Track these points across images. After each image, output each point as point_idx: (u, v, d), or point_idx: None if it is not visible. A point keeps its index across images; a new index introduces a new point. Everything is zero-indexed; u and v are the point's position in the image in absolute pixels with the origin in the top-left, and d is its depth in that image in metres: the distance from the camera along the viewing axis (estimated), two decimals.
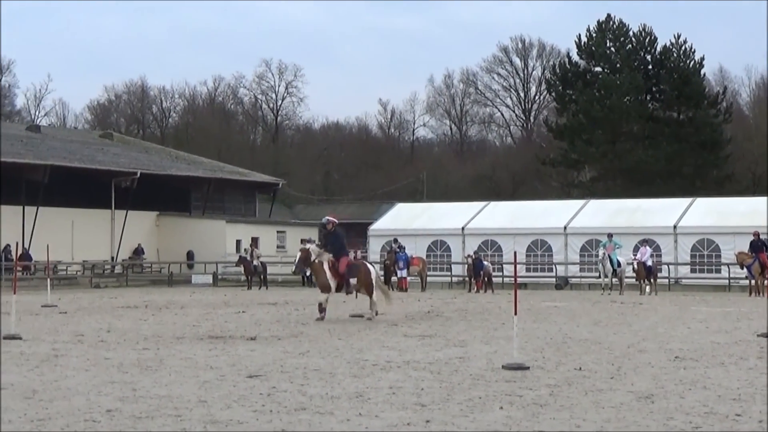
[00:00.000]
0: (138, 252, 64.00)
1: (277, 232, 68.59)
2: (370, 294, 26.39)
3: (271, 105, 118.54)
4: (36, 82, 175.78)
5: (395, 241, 50.11)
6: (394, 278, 47.22)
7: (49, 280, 39.44)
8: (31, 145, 63.67)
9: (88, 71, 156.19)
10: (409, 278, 47.63)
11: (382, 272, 44.47)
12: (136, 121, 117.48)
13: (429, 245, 54.27)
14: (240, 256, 55.44)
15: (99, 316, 28.01)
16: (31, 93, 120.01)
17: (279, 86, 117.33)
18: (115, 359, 16.70)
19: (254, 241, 61.17)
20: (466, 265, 47.41)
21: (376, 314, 26.08)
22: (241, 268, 53.90)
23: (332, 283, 25.96)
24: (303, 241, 47.43)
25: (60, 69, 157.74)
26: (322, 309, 25.66)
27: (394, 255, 47.67)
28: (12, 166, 57.08)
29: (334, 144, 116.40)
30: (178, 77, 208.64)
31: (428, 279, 48.76)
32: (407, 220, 56.70)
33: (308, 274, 40.06)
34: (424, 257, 51.01)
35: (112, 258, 62.45)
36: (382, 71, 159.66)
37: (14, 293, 23.68)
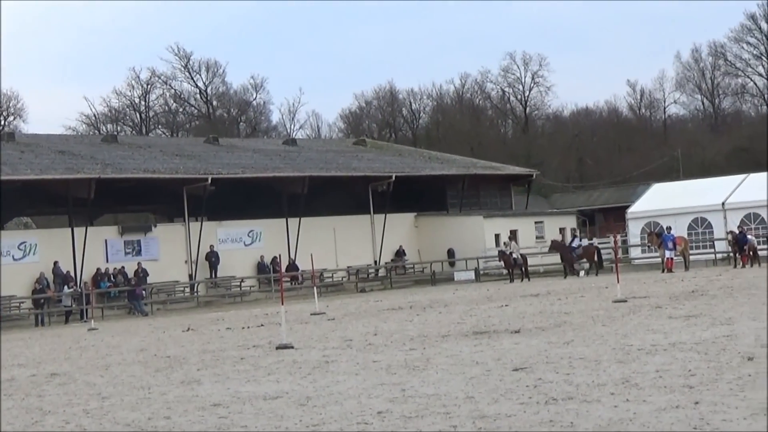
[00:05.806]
0: (400, 254, 64.92)
1: (535, 222, 68.39)
2: None
3: (519, 97, 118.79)
4: (289, 97, 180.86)
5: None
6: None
7: (315, 288, 40.63)
8: (288, 158, 65.54)
9: (338, 81, 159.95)
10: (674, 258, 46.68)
11: None
12: (387, 126, 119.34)
13: (689, 223, 52.99)
14: (499, 250, 55.70)
15: (366, 320, 28.66)
16: (285, 108, 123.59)
17: (525, 77, 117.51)
18: (383, 361, 17.11)
19: (513, 234, 61.28)
20: (729, 241, 46.38)
21: None
22: (502, 262, 54.19)
23: None
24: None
25: (311, 82, 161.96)
26: None
27: (659, 237, 46.99)
28: (272, 180, 58.99)
29: (585, 130, 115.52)
30: (425, 78, 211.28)
31: (691, 258, 47.76)
32: (665, 199, 55.49)
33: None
34: (686, 236, 49.98)
35: (375, 262, 63.58)
36: (628, 52, 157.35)
37: (282, 304, 24.46)
